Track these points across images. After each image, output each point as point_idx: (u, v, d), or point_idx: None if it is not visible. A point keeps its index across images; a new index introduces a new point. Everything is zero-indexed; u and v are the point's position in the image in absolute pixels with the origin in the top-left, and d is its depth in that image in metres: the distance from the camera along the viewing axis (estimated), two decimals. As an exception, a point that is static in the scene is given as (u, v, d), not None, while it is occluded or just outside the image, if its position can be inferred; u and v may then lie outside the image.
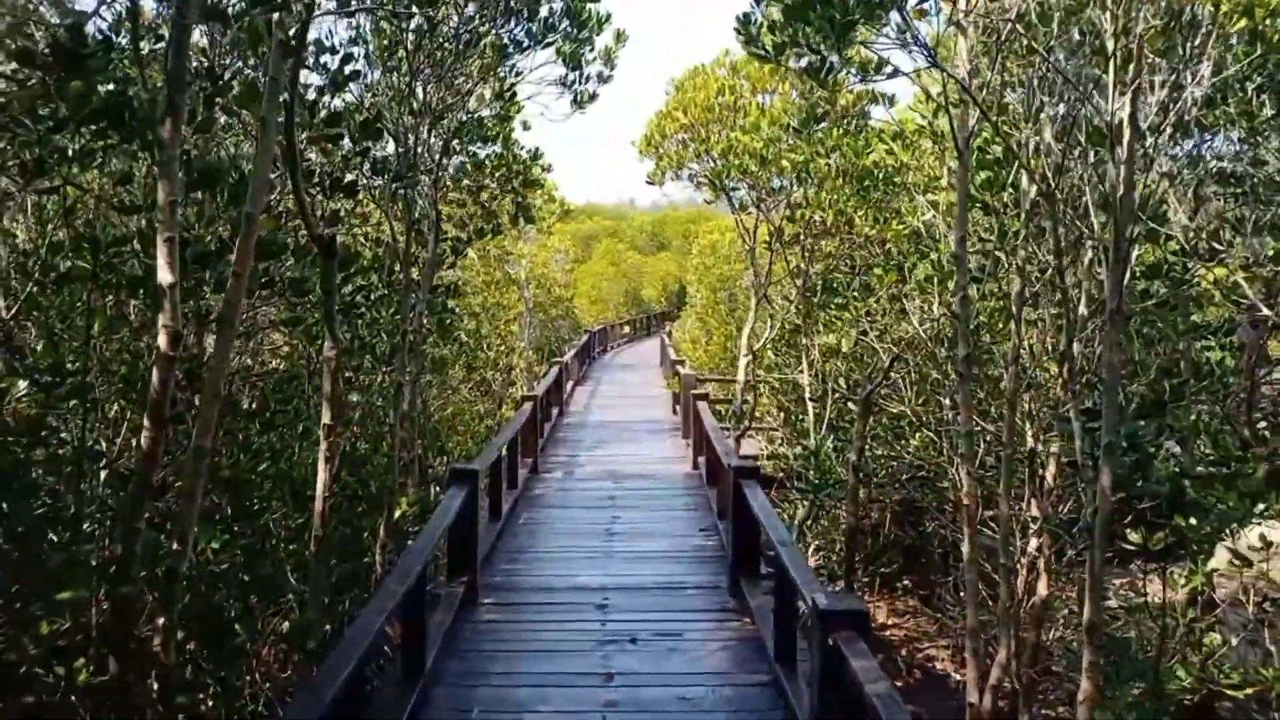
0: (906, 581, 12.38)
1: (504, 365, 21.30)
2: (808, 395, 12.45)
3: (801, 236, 13.12)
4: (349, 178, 6.73)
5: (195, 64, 5.50)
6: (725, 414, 16.93)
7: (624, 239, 61.59)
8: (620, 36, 9.95)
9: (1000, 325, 8.44)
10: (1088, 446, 5.57)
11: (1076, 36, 6.26)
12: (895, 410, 9.63)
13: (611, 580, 7.92)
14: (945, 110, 5.87)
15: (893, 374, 9.36)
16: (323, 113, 5.74)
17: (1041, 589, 8.55)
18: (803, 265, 13.27)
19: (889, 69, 6.07)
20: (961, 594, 11.63)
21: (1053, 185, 5.52)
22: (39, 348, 6.31)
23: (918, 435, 9.35)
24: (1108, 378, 5.42)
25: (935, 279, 8.51)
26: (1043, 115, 6.09)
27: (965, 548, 6.23)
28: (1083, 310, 7.98)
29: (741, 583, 7.39)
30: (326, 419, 4.92)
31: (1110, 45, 5.33)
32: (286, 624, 7.19)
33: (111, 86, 3.90)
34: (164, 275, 4.18)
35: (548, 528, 9.77)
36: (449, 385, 16.52)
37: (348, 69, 6.08)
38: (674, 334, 32.31)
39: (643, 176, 16.22)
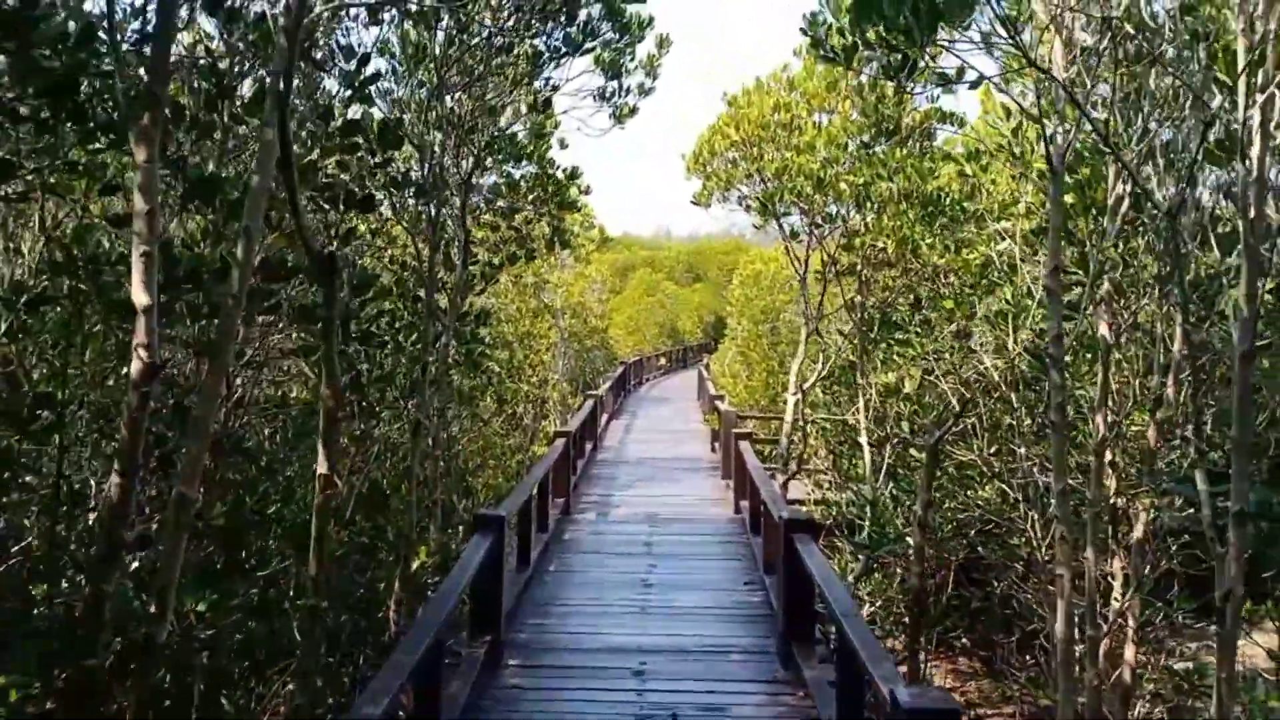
0: (965, 641, 11.44)
1: (536, 397, 20.69)
2: (864, 439, 11.59)
3: (859, 266, 12.31)
4: (367, 192, 6.13)
5: (199, 60, 4.97)
6: (769, 455, 16.10)
7: (660, 269, 61.09)
8: (664, 42, 9.22)
9: (1085, 369, 7.61)
10: (1210, 513, 4.78)
11: (1179, 53, 5.55)
12: (963, 458, 8.78)
13: (649, 641, 7.19)
14: (1039, 121, 5.14)
15: (963, 418, 8.52)
16: (338, 120, 5.18)
17: (1129, 657, 7.67)
18: (859, 298, 12.45)
19: (972, 75, 5.36)
20: (1028, 657, 10.69)
21: (1173, 208, 4.76)
22: (36, 377, 5.80)
23: (988, 486, 8.49)
24: (1238, 435, 4.61)
25: (1009, 314, 7.72)
26: (1152, 128, 5.35)
27: (1059, 626, 5.40)
28: (1176, 352, 7.19)
29: (793, 649, 6.64)
30: (323, 468, 4.27)
31: (1241, 45, 4.60)
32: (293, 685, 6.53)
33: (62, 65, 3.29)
34: (139, 296, 3.57)
35: (580, 576, 9.07)
36: (480, 418, 15.91)
37: (368, 69, 5.50)
38: (712, 367, 31.58)
39: (683, 193, 15.71)
